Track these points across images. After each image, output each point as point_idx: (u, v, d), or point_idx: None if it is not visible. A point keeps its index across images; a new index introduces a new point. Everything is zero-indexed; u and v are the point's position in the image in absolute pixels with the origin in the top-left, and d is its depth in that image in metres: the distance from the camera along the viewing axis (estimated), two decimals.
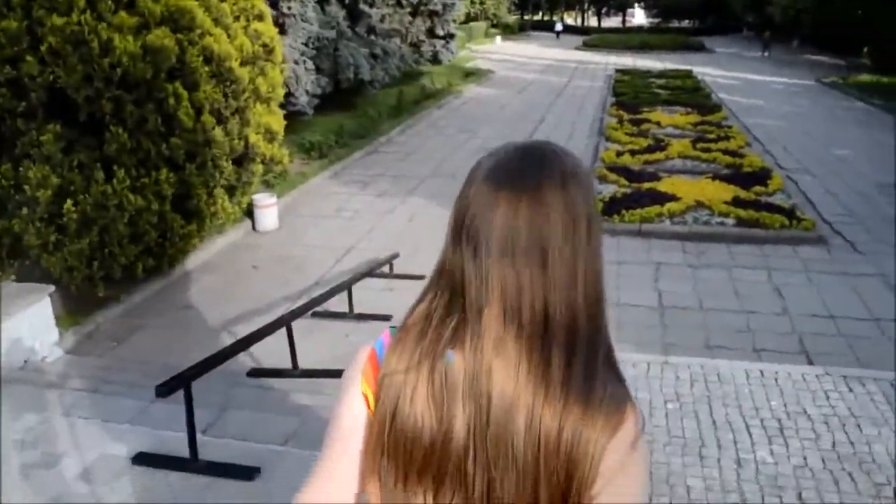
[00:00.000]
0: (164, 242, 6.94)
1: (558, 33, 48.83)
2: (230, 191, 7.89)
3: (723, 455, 4.09)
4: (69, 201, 6.06)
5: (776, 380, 4.89)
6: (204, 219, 7.38)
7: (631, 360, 5.27)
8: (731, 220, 8.80)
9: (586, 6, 67.39)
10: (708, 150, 12.08)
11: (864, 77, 21.66)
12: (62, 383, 5.31)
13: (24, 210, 6.10)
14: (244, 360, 5.67)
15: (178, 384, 4.03)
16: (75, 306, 6.55)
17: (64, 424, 4.57)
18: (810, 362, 5.57)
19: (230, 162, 7.64)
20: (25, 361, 5.55)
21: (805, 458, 4.03)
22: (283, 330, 5.35)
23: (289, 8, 12.32)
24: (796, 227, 8.49)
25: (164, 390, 3.96)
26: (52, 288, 5.81)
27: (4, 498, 3.79)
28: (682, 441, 4.26)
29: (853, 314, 6.45)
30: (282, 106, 8.98)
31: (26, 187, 6.04)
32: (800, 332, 6.15)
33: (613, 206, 9.13)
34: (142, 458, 4.15)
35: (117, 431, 4.47)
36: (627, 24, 68.57)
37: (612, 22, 70.61)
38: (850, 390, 4.72)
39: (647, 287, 7.20)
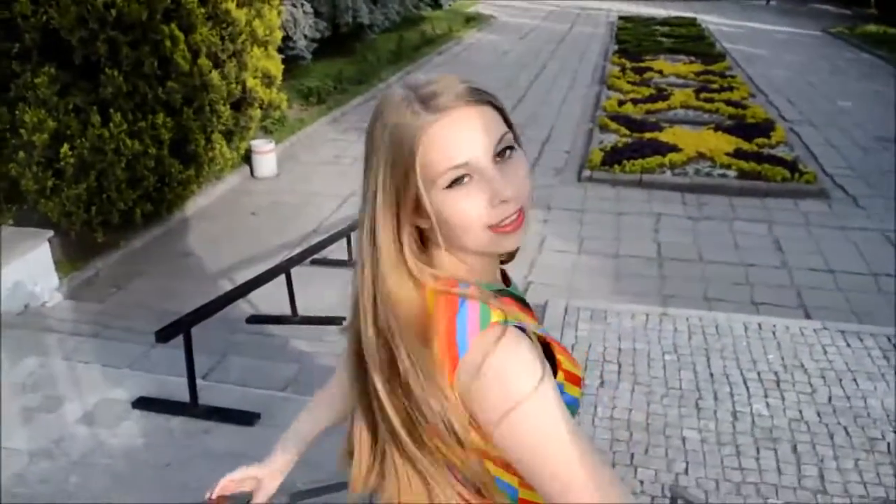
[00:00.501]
0: (163, 188, 6.88)
1: None
2: (228, 136, 7.80)
3: (719, 407, 4.14)
4: (66, 145, 5.98)
5: (774, 333, 4.92)
6: (202, 164, 7.31)
7: (629, 312, 5.29)
8: (732, 172, 8.74)
9: None
10: (711, 101, 11.93)
11: (871, 28, 21.32)
12: (62, 328, 5.33)
13: (21, 154, 6.03)
14: (243, 307, 5.68)
15: (178, 329, 4.05)
16: (74, 252, 6.53)
17: (64, 369, 4.60)
18: (808, 316, 5.59)
19: (228, 106, 7.53)
20: (25, 306, 5.56)
21: (801, 412, 4.07)
22: (282, 277, 5.36)
23: None
24: (798, 181, 8.43)
25: (163, 335, 3.97)
26: (50, 233, 5.79)
27: (6, 441, 3.82)
28: (679, 392, 4.30)
29: (852, 269, 6.45)
30: (280, 50, 8.81)
31: (22, 131, 5.96)
32: (798, 285, 6.16)
33: (614, 156, 9.05)
34: (142, 403, 4.19)
35: (118, 376, 4.50)
36: None
37: None
38: (848, 345, 4.75)
39: (647, 238, 7.19)
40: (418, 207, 1.03)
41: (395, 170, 1.02)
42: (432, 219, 1.03)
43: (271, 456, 1.46)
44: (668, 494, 3.44)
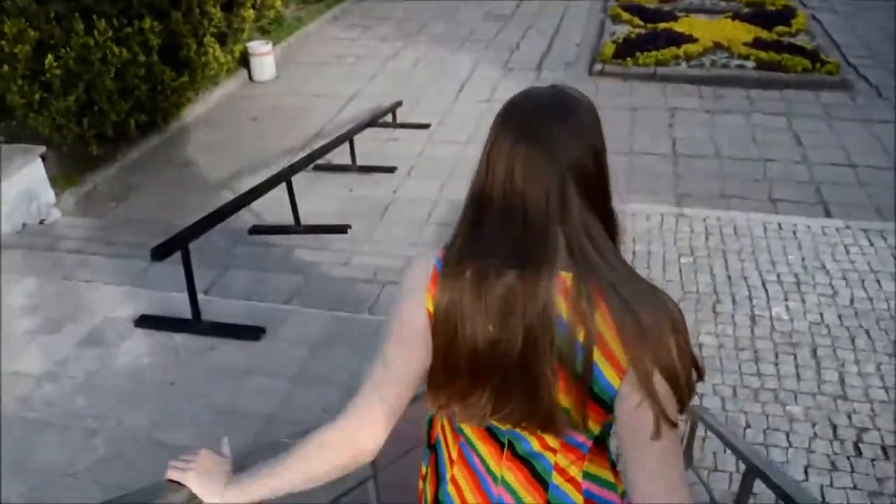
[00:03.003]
0: (156, 96, 6.63)
1: None
2: (221, 39, 7.47)
3: (737, 311, 4.01)
4: (50, 56, 5.72)
5: (794, 233, 4.74)
6: (195, 70, 7.02)
7: (644, 212, 5.11)
8: (750, 63, 8.36)
9: None
10: None
11: None
12: (62, 246, 5.22)
13: (5, 68, 5.76)
14: (246, 217, 5.54)
15: (175, 246, 3.91)
16: (71, 167, 6.36)
17: (65, 288, 4.51)
18: (828, 213, 5.41)
19: (218, 8, 7.19)
20: (24, 225, 5.44)
21: (822, 315, 3.94)
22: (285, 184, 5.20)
23: None
24: (819, 71, 8.06)
25: (160, 253, 3.84)
26: (42, 148, 5.61)
27: (9, 364, 3.76)
28: (695, 296, 4.17)
29: (874, 163, 6.20)
30: None
31: (3, 43, 5.68)
32: (818, 181, 5.93)
33: (627, 48, 8.67)
34: (144, 321, 4.11)
35: (120, 293, 4.41)
36: None
37: None
38: (871, 244, 4.57)
39: (662, 134, 6.94)
40: None
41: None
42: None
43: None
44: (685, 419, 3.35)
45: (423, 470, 1.37)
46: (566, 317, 1.04)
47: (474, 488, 1.26)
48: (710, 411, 3.22)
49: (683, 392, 1.04)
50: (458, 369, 1.11)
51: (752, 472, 1.63)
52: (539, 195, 1.05)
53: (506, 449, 1.22)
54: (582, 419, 1.09)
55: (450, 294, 1.09)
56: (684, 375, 1.03)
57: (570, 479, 1.20)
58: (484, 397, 1.11)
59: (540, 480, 1.21)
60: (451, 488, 1.29)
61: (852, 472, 2.97)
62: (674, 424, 1.03)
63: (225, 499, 1.18)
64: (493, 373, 1.09)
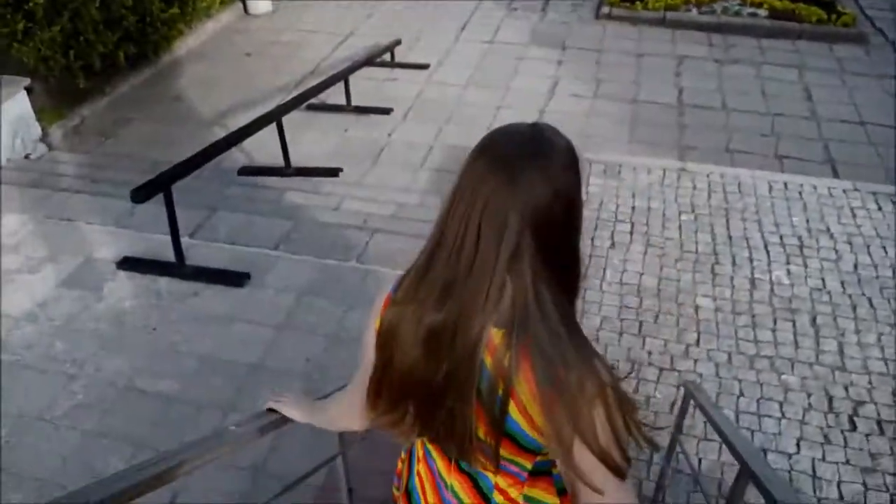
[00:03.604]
0: (146, 28, 6.38)
1: None
2: None
3: (737, 273, 3.90)
4: None
5: (800, 193, 4.59)
6: (187, 1, 6.75)
7: (646, 166, 4.96)
8: (763, 12, 8.06)
9: None
10: None
11: None
12: (46, 182, 5.07)
13: None
14: (236, 156, 5.39)
15: (157, 188, 3.77)
16: (58, 100, 6.14)
17: (48, 226, 4.39)
18: (835, 171, 5.25)
19: None
20: (8, 160, 5.28)
21: (823, 280, 3.83)
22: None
23: None
24: (834, 23, 7.77)
25: (141, 195, 3.70)
26: (27, 80, 5.43)
27: None
28: (694, 256, 4.05)
29: (886, 122, 5.98)
30: None
31: None
32: (827, 138, 5.75)
33: None
34: (127, 263, 4.00)
35: (104, 234, 4.31)
36: None
37: None
38: (879, 208, 4.43)
39: (668, 83, 6.71)
40: None
41: None
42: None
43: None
44: (678, 385, 3.25)
45: (403, 454, 1.50)
46: (490, 369, 1.05)
47: (432, 488, 1.37)
48: (704, 387, 3.14)
49: (615, 465, 1.01)
50: (391, 387, 1.18)
51: (746, 474, 1.53)
52: (494, 238, 1.02)
53: (453, 462, 1.29)
54: (496, 456, 1.12)
55: (392, 317, 1.15)
56: (612, 445, 1.00)
57: (511, 500, 1.25)
58: (409, 418, 1.19)
59: (483, 496, 1.27)
60: (416, 481, 1.42)
61: (845, 446, 2.90)
62: (601, 492, 1.02)
63: (299, 419, 1.65)
64: (417, 396, 1.15)
